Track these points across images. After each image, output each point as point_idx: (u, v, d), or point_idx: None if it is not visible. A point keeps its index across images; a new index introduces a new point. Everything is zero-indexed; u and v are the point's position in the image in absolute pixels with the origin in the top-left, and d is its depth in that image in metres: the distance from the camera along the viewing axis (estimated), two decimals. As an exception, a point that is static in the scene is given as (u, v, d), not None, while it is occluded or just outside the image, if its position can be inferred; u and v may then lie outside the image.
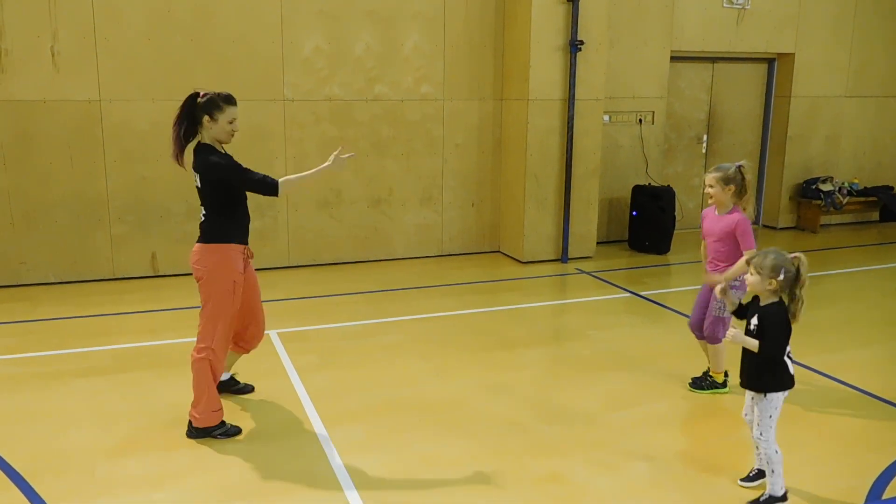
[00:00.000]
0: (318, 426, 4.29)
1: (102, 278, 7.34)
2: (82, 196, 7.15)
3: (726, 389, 4.80)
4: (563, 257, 8.33)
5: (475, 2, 8.13)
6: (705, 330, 4.73)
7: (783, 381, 3.48)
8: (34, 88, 6.85)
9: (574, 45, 7.84)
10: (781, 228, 10.33)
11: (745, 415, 3.65)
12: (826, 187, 10.08)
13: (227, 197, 4.14)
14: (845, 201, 10.07)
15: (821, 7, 9.85)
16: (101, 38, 6.94)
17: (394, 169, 8.18)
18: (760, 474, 3.69)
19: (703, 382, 4.85)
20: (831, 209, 10.06)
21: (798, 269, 3.43)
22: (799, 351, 5.51)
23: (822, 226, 10.26)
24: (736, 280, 4.35)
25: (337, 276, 7.70)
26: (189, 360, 4.14)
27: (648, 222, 8.78)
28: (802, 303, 3.44)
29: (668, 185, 9.07)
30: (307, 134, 7.76)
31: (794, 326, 3.47)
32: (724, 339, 3.57)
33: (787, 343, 3.46)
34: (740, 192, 4.41)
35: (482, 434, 4.23)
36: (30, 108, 6.87)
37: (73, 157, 7.06)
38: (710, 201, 4.55)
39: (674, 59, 9.33)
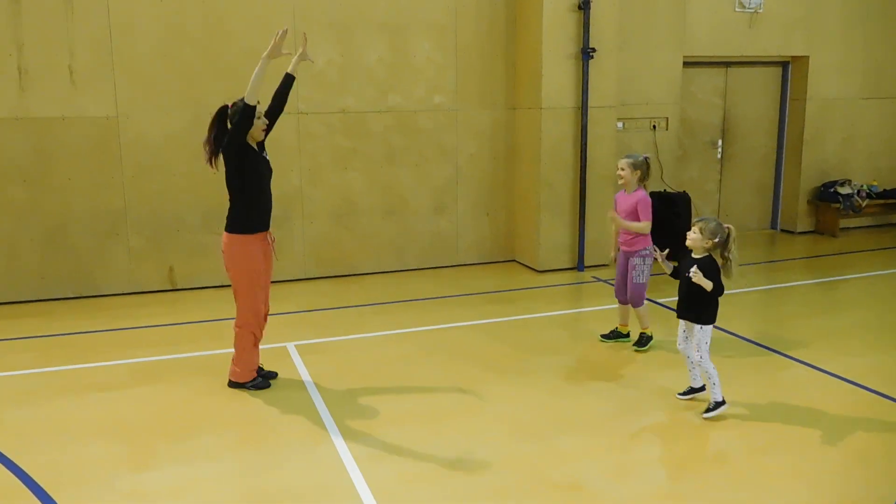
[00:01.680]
0: (335, 436, 4.29)
1: (121, 292, 7.40)
2: (100, 211, 7.22)
3: (653, 341, 5.72)
4: (579, 265, 8.30)
5: (486, 11, 8.15)
6: (629, 295, 5.64)
7: (715, 315, 4.50)
8: (52, 105, 6.94)
9: (586, 53, 7.83)
10: (800, 233, 10.24)
11: (680, 345, 4.65)
12: (844, 190, 9.98)
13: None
14: (864, 204, 9.96)
15: (833, 9, 9.79)
16: (117, 54, 7.03)
17: (407, 179, 8.20)
18: (692, 391, 4.72)
19: (642, 342, 5.68)
20: (850, 212, 9.95)
21: (728, 235, 4.41)
22: (821, 356, 5.49)
23: (841, 229, 10.15)
24: (644, 249, 5.53)
25: (352, 287, 7.71)
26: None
27: (664, 228, 8.67)
28: (731, 262, 4.41)
29: (684, 191, 9.01)
30: (320, 145, 7.80)
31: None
32: (690, 276, 4.35)
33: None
34: (643, 177, 5.54)
35: (499, 442, 4.21)
36: (48, 125, 6.97)
37: (90, 173, 7.14)
38: (619, 182, 5.57)
39: (686, 64, 9.30)
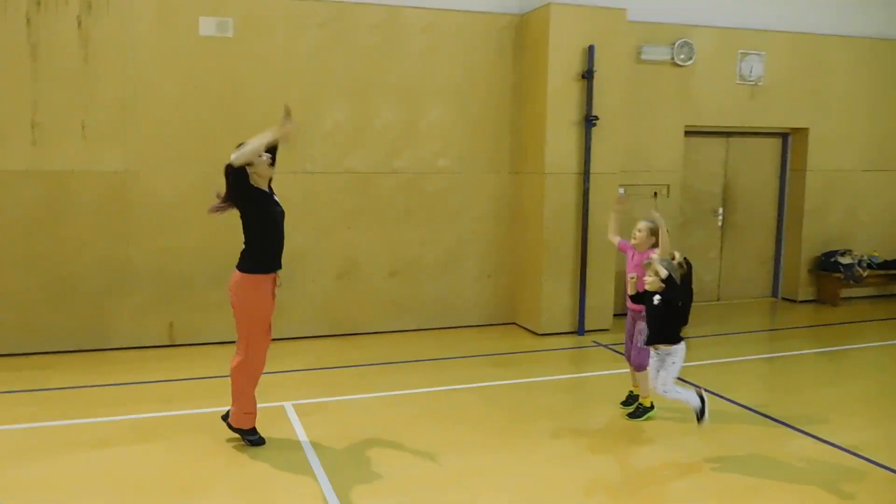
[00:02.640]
0: (331, 499, 4.23)
1: (122, 347, 7.39)
2: (106, 265, 7.27)
3: (654, 412, 5.59)
4: (580, 330, 8.29)
5: (494, 79, 8.36)
6: (632, 359, 5.64)
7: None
8: (64, 159, 7.07)
9: (589, 121, 8.00)
10: (801, 301, 10.25)
11: (652, 381, 5.02)
12: (845, 260, 10.03)
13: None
14: (865, 274, 10.00)
15: (833, 82, 10.01)
16: (131, 110, 7.19)
17: (412, 240, 8.27)
18: (701, 413, 4.96)
19: (637, 413, 5.60)
20: (851, 282, 9.98)
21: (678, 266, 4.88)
22: (825, 428, 5.43)
23: (842, 299, 10.17)
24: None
25: (354, 347, 7.69)
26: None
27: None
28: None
29: (685, 258, 9.04)
30: (327, 205, 7.89)
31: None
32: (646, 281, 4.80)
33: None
34: (657, 244, 5.54)
35: (499, 511, 4.15)
36: (59, 178, 7.07)
37: (99, 227, 7.21)
38: (632, 241, 5.67)
39: (688, 133, 9.48)
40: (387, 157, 8.07)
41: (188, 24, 7.28)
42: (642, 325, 5.59)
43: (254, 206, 4.81)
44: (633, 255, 5.70)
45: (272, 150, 4.91)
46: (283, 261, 4.99)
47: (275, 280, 4.96)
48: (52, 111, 7.00)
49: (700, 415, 4.92)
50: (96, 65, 7.05)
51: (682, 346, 4.95)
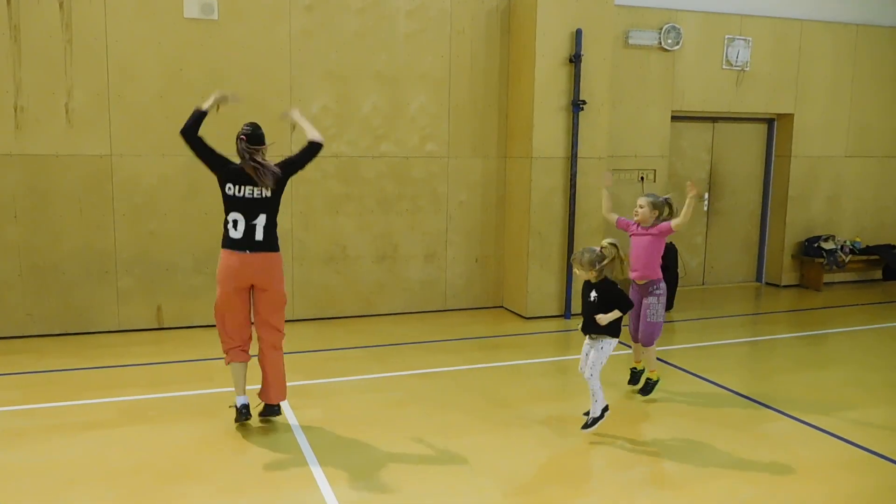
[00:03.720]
0: (322, 483, 4.26)
1: (108, 330, 7.37)
2: (90, 249, 7.23)
3: (660, 382, 5.75)
4: (567, 313, 8.35)
5: (480, 63, 8.34)
6: (641, 334, 5.69)
7: (619, 328, 4.88)
8: (47, 143, 7.01)
9: (576, 105, 8.01)
10: (784, 286, 10.36)
11: (582, 367, 4.94)
12: (828, 245, 10.14)
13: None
14: (847, 259, 10.12)
15: (819, 69, 10.08)
16: (115, 95, 7.13)
17: (399, 225, 8.27)
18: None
19: (647, 388, 5.71)
20: (834, 267, 10.10)
21: (604, 257, 4.80)
22: (807, 411, 5.52)
23: (825, 284, 10.29)
24: (658, 285, 5.64)
25: (341, 331, 7.71)
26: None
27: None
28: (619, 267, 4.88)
29: (671, 243, 9.13)
30: (314, 190, 7.88)
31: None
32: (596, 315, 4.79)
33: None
34: (660, 216, 5.70)
35: (487, 493, 4.20)
36: (42, 163, 7.01)
37: (82, 211, 7.17)
38: (635, 218, 5.72)
39: (675, 118, 9.52)
40: (374, 141, 8.05)
41: (173, 6, 7.21)
42: (650, 300, 5.66)
43: (282, 189, 4.96)
44: (637, 228, 5.74)
45: (257, 139, 4.92)
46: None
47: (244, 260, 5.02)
48: (36, 95, 6.93)
49: (590, 423, 4.94)
50: (79, 48, 6.98)
51: (613, 342, 4.94)
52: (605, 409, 4.95)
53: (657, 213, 5.68)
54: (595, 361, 4.87)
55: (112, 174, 7.22)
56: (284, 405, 5.49)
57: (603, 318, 4.77)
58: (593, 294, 4.86)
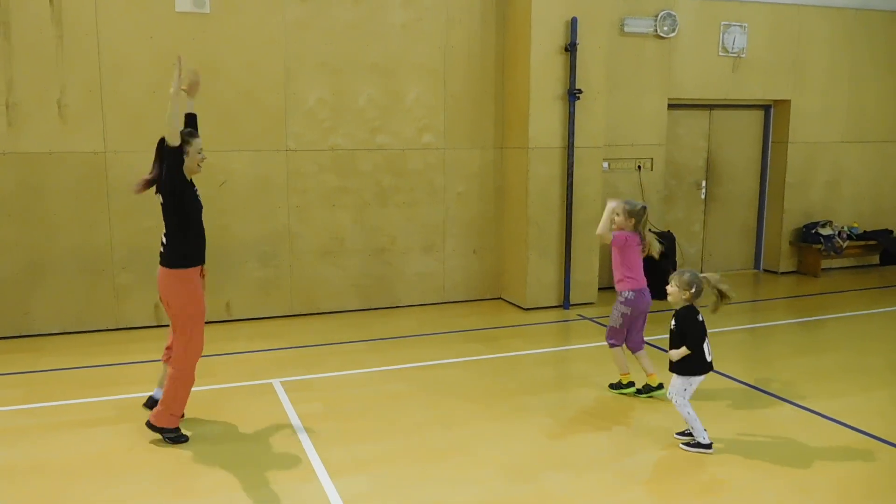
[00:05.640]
0: (322, 476, 4.26)
1: (107, 328, 7.35)
2: (87, 246, 7.20)
3: (631, 390, 5.61)
4: (565, 304, 8.35)
5: (475, 54, 8.31)
6: (632, 343, 5.61)
7: (687, 367, 4.62)
8: (41, 140, 6.96)
9: (573, 94, 7.98)
10: (783, 273, 10.35)
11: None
12: (826, 231, 10.13)
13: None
14: (845, 245, 10.12)
15: (816, 55, 10.05)
16: (108, 91, 7.08)
17: (396, 217, 8.25)
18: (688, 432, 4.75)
19: (617, 384, 5.66)
20: (831, 253, 10.10)
21: (702, 283, 4.61)
22: (806, 396, 5.53)
23: (823, 270, 10.29)
24: (623, 294, 5.56)
25: (340, 325, 7.70)
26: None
27: (649, 268, 8.76)
28: (720, 302, 4.60)
29: (669, 231, 9.13)
30: (310, 184, 7.85)
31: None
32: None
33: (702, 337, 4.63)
34: (636, 225, 5.54)
35: (488, 482, 4.20)
36: (36, 160, 6.97)
37: (77, 208, 7.13)
38: (612, 227, 5.48)
39: (671, 106, 9.49)
40: (370, 133, 8.02)
41: (164, 0, 7.15)
42: (614, 305, 5.61)
43: (182, 198, 4.60)
44: (626, 239, 5.53)
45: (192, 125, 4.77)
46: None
47: (201, 273, 4.82)
48: (28, 92, 6.88)
49: (693, 444, 4.64)
50: (70, 43, 6.93)
51: (677, 379, 4.74)
52: (710, 445, 4.61)
53: (633, 220, 5.52)
54: (677, 390, 4.65)
55: (106, 171, 7.18)
56: (283, 399, 5.49)
57: (673, 355, 4.62)
58: (672, 322, 4.64)
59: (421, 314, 8.15)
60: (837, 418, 5.12)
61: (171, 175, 4.53)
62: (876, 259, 10.82)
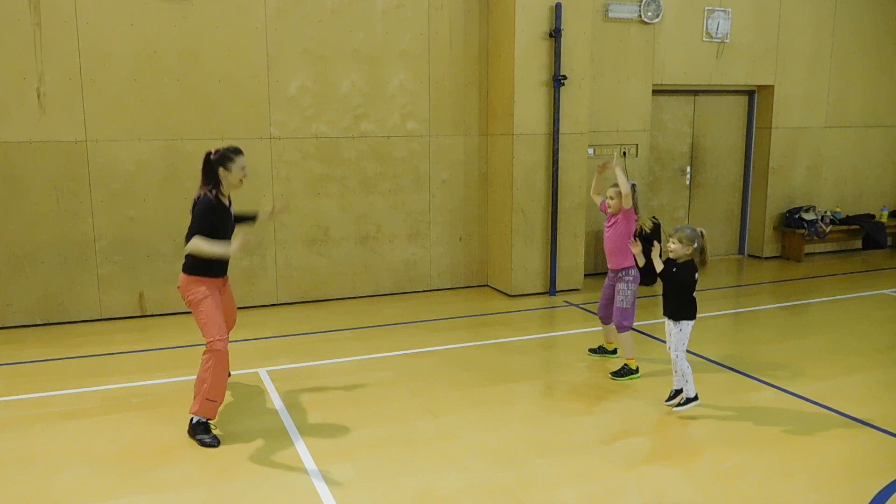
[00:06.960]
0: (308, 464, 4.26)
1: (90, 319, 7.29)
2: (69, 237, 7.13)
3: (638, 375, 5.67)
4: (551, 290, 8.37)
5: (459, 40, 8.26)
6: (614, 320, 5.70)
7: (693, 313, 4.93)
8: (20, 130, 6.87)
9: (557, 81, 7.96)
10: (766, 258, 10.43)
11: (669, 348, 4.99)
12: (809, 216, 10.20)
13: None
14: (828, 230, 10.20)
15: (798, 41, 10.08)
16: (88, 79, 6.99)
17: (381, 205, 8.22)
18: (677, 393, 5.05)
19: (620, 372, 5.65)
20: (815, 238, 10.17)
21: (702, 237, 4.89)
22: (789, 379, 5.58)
23: (806, 254, 10.36)
24: (629, 272, 5.69)
25: (326, 313, 7.68)
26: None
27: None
28: (706, 257, 4.94)
29: (654, 217, 9.13)
30: (294, 172, 7.80)
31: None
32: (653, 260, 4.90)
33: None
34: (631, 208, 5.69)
35: (474, 468, 4.21)
36: (16, 150, 6.88)
37: (59, 198, 7.05)
38: (610, 210, 5.71)
39: (656, 92, 9.49)
40: (354, 121, 7.97)
41: (145, -13, 7.07)
42: (621, 286, 5.68)
43: (209, 231, 4.55)
44: (609, 216, 5.79)
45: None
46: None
47: (225, 284, 4.89)
48: (6, 80, 6.77)
49: (684, 402, 4.97)
50: (49, 30, 6.82)
51: (687, 327, 4.97)
52: (697, 396, 4.98)
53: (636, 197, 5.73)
54: (678, 343, 4.92)
55: (88, 160, 7.10)
56: (270, 387, 5.48)
57: (656, 259, 4.90)
58: (673, 270, 4.87)
59: (407, 302, 8.14)
60: (820, 401, 5.17)
61: (200, 221, 4.56)
62: (858, 243, 10.92)
